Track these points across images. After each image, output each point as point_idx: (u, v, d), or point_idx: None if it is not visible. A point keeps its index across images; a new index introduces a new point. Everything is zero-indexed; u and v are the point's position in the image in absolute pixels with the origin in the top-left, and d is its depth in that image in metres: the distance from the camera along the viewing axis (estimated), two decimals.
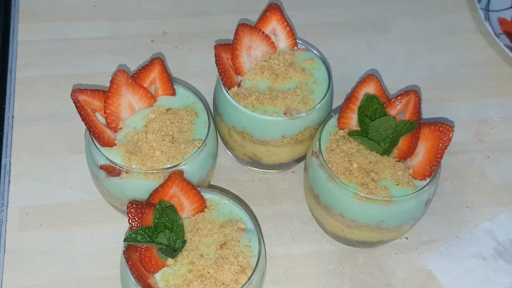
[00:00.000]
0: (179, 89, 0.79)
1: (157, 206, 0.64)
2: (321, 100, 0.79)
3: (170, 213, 0.64)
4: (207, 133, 0.75)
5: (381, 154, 0.74)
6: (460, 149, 0.92)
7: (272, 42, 0.83)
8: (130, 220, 0.63)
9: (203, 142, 0.74)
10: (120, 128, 0.74)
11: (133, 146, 0.72)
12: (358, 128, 0.76)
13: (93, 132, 0.72)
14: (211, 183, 0.83)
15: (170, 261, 0.64)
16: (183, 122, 0.75)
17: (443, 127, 0.71)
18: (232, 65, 0.80)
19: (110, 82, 0.73)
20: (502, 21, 1.07)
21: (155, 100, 0.77)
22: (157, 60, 0.76)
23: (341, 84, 0.92)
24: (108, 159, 0.71)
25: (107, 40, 1.02)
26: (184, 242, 0.65)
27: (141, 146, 0.72)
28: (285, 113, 0.78)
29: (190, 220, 0.68)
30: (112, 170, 0.72)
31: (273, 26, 0.83)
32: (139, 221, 0.63)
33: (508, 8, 1.09)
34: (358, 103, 0.75)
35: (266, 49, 0.82)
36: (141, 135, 0.73)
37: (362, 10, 1.11)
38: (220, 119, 0.82)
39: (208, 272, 0.63)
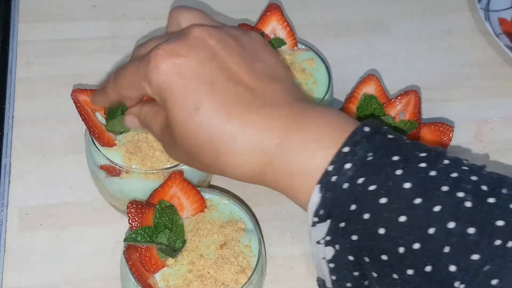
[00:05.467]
0: None
1: (157, 206, 0.64)
2: (321, 100, 0.79)
3: (170, 213, 0.64)
4: None
5: None
6: (460, 149, 0.92)
7: None
8: (130, 220, 0.63)
9: None
10: None
11: (133, 146, 0.72)
12: None
13: (93, 132, 0.72)
14: (211, 183, 0.83)
15: (170, 261, 0.64)
16: None
17: (443, 127, 0.71)
18: None
19: None
20: (502, 21, 1.07)
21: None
22: None
23: (341, 84, 0.92)
24: (108, 159, 0.71)
25: (107, 40, 1.02)
26: (184, 242, 0.65)
27: (141, 146, 0.72)
28: None
29: (190, 220, 0.68)
30: (112, 170, 0.72)
31: (273, 26, 0.83)
32: (139, 221, 0.63)
33: (508, 8, 1.09)
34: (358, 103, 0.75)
35: None
36: (141, 135, 0.73)
37: (362, 10, 1.11)
38: None
39: (208, 272, 0.63)
